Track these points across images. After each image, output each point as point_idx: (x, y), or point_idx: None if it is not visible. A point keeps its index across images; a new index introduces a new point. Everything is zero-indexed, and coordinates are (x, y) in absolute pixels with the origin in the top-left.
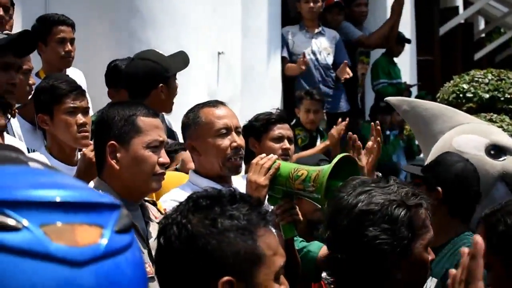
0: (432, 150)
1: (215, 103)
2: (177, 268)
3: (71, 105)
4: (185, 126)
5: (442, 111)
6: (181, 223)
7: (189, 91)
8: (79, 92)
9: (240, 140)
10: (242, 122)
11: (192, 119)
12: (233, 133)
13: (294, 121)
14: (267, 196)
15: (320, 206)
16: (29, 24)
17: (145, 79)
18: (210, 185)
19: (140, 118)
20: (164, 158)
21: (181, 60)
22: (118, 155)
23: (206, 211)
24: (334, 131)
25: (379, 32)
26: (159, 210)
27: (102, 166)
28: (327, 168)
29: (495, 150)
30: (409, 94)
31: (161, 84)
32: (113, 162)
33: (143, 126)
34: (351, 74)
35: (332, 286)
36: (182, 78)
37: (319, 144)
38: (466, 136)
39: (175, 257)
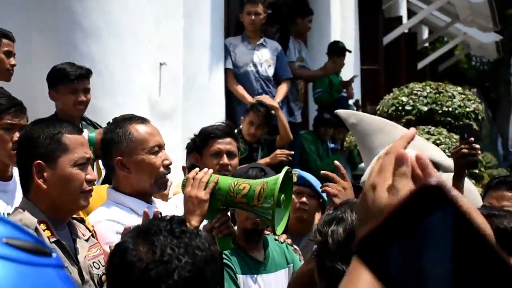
0: (371, 164)
1: (143, 120)
2: None
3: (9, 121)
4: (113, 141)
5: (383, 126)
6: None
7: (130, 102)
8: (18, 109)
9: (169, 158)
10: (185, 133)
11: (122, 135)
12: (163, 150)
13: (235, 130)
14: None
15: (267, 219)
16: None
17: None
18: (134, 203)
19: (65, 136)
20: (91, 175)
21: None
22: (45, 174)
23: None
24: (278, 152)
25: (309, 74)
26: (87, 227)
27: (28, 186)
28: (272, 181)
29: None
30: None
31: None
32: (40, 181)
33: (69, 144)
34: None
35: None
36: (123, 88)
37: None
38: None
39: None
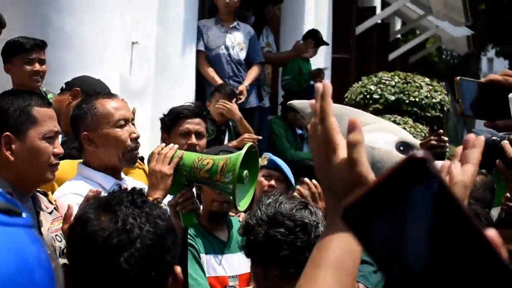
0: None
1: (110, 95)
2: None
3: None
4: (79, 117)
5: (348, 112)
6: None
7: (101, 78)
8: None
9: (137, 131)
10: (154, 113)
11: (87, 110)
12: (131, 124)
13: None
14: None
15: (229, 194)
16: None
17: None
18: (103, 178)
19: (35, 109)
20: (58, 148)
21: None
22: (13, 146)
23: None
24: (246, 136)
25: (279, 56)
26: (49, 201)
27: None
28: (235, 157)
29: (404, 147)
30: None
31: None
32: (7, 153)
33: (38, 116)
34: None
35: None
36: (95, 66)
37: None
38: (377, 133)
39: None
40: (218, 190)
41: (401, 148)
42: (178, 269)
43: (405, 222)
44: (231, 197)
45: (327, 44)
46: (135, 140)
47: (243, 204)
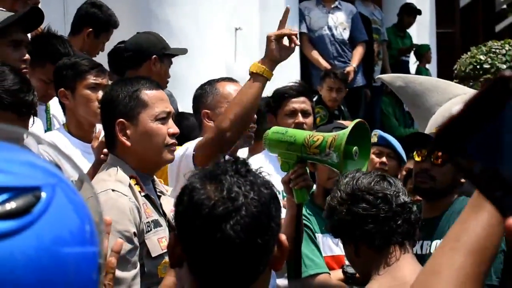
0: (430, 121)
1: (230, 79)
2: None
3: (93, 81)
4: (200, 96)
5: (436, 84)
6: None
7: (206, 67)
8: (100, 69)
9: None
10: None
11: (209, 90)
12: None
13: (315, 98)
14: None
15: (336, 171)
16: None
17: (142, 49)
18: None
19: (144, 92)
20: (173, 128)
21: (180, 50)
22: (128, 132)
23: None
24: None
25: None
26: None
27: (113, 144)
28: (343, 133)
29: None
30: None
31: (154, 56)
32: (123, 139)
33: (148, 99)
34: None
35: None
36: (199, 53)
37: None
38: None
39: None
40: (327, 165)
41: None
42: (283, 236)
43: (502, 138)
44: (339, 172)
45: (420, 13)
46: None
47: None
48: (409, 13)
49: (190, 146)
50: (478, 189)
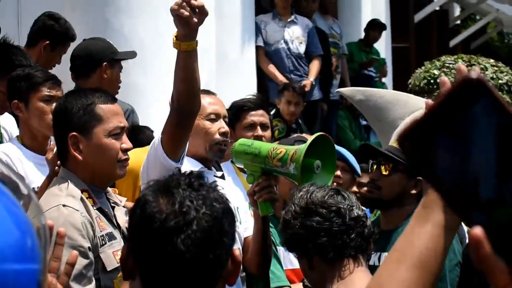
0: (394, 135)
1: (206, 92)
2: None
3: (47, 93)
4: None
5: (397, 97)
6: None
7: (164, 76)
8: (54, 81)
9: (227, 127)
10: None
11: None
12: (221, 120)
13: (273, 111)
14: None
15: (296, 183)
16: None
17: (92, 56)
18: (194, 164)
19: (99, 106)
20: (126, 143)
21: (129, 53)
22: (80, 145)
23: None
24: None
25: None
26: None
27: (65, 157)
28: (303, 146)
29: None
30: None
31: (105, 63)
32: (76, 153)
33: (103, 114)
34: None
35: None
36: (156, 62)
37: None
38: None
39: None
40: (289, 179)
41: None
42: (236, 251)
43: (469, 139)
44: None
45: (385, 28)
46: (223, 134)
47: None
48: (375, 28)
49: (156, 137)
50: (445, 203)
